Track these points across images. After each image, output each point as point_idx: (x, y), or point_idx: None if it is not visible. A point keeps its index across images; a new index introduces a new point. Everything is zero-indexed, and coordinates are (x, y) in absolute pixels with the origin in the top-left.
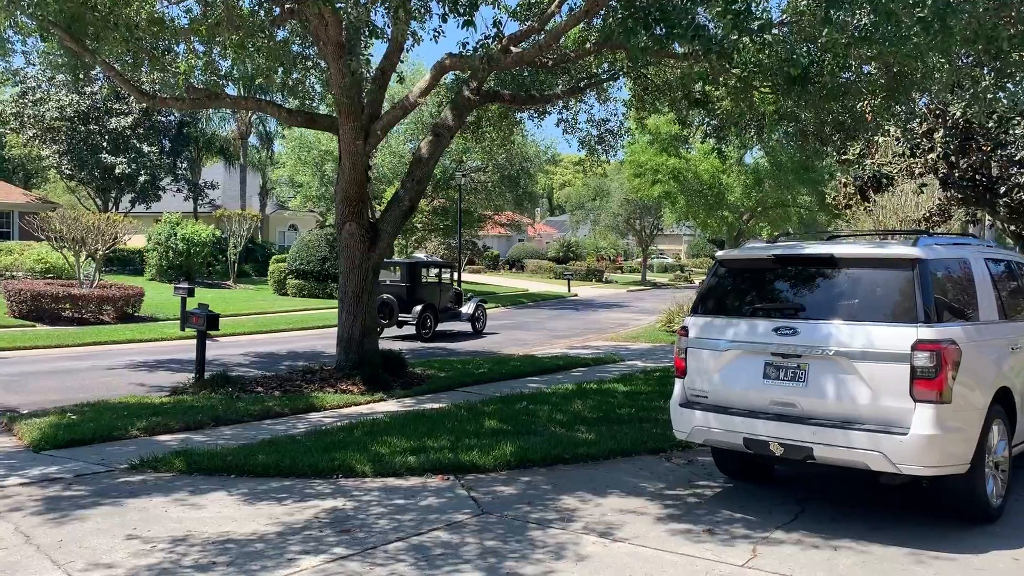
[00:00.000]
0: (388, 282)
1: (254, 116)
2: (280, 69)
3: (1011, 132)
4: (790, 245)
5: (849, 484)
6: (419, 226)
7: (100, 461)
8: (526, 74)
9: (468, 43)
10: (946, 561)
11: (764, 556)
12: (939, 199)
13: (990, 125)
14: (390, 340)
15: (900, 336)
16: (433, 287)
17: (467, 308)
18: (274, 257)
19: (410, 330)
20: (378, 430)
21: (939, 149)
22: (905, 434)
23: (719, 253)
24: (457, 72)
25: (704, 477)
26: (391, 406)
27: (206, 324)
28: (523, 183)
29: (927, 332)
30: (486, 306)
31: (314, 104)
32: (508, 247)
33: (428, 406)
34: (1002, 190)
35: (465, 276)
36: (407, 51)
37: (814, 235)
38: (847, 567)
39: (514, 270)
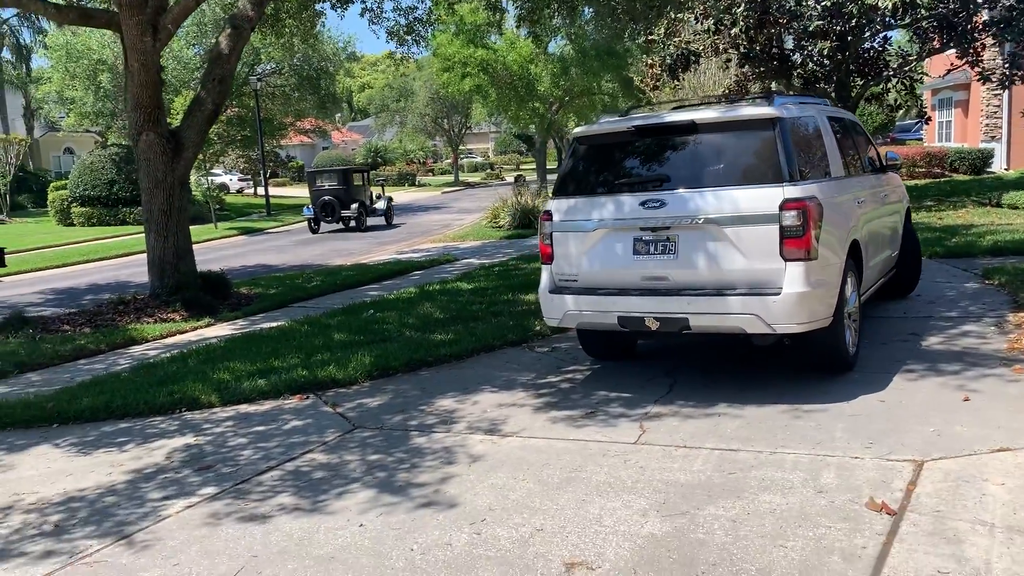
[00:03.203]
0: (327, 186)
1: (5, 27)
2: None
3: (804, 3)
4: (649, 115)
5: (711, 352)
6: (215, 138)
7: None
8: None
9: None
10: (820, 412)
11: (652, 431)
12: (736, 75)
13: None
14: (329, 235)
15: (767, 197)
16: (360, 188)
17: (380, 205)
18: (53, 184)
19: (338, 226)
20: (215, 356)
21: (740, 23)
22: (778, 294)
23: (576, 130)
24: None
25: (571, 362)
26: (222, 330)
27: None
28: (324, 84)
29: (792, 191)
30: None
31: (84, 2)
32: (313, 156)
33: (264, 326)
34: (798, 61)
35: (271, 191)
36: None
37: (662, 105)
38: (733, 429)
39: None
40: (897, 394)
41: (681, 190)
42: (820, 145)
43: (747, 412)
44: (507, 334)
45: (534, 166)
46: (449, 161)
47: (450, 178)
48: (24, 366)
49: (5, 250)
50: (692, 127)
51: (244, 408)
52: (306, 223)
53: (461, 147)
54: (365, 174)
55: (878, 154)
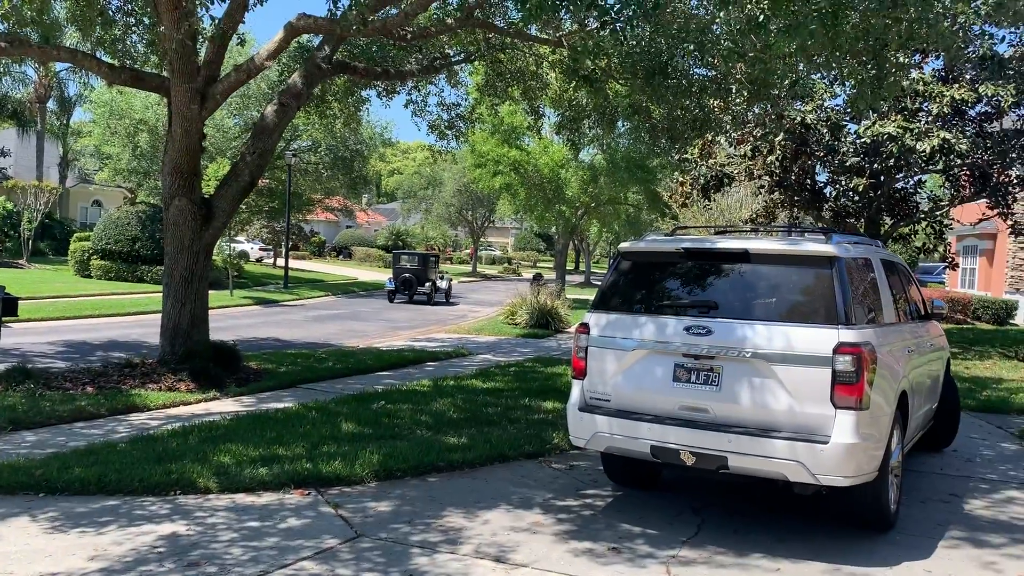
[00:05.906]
0: (408, 266)
1: (54, 79)
2: (99, 21)
3: (842, 139)
4: (699, 239)
5: (741, 491)
6: (243, 207)
7: None
8: (375, 48)
9: (334, 7)
10: None
11: None
12: (766, 201)
13: (823, 131)
14: (399, 306)
15: (821, 338)
16: (432, 270)
17: (443, 284)
18: (76, 235)
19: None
20: (218, 435)
21: (777, 151)
22: (826, 443)
23: (622, 245)
24: (300, 40)
25: (591, 485)
26: (228, 406)
27: (2, 309)
28: (357, 166)
29: (848, 334)
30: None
31: (136, 65)
32: (335, 233)
33: (271, 406)
34: (831, 194)
35: (291, 263)
36: (252, 7)
37: (700, 229)
38: None
39: (341, 257)
40: (943, 565)
41: (729, 319)
42: (874, 288)
43: (783, 567)
44: (523, 444)
45: (551, 264)
46: (468, 252)
47: (468, 268)
48: (19, 423)
49: (20, 299)
50: (744, 255)
51: (241, 498)
52: (386, 294)
53: (482, 239)
54: (436, 259)
55: (923, 300)
